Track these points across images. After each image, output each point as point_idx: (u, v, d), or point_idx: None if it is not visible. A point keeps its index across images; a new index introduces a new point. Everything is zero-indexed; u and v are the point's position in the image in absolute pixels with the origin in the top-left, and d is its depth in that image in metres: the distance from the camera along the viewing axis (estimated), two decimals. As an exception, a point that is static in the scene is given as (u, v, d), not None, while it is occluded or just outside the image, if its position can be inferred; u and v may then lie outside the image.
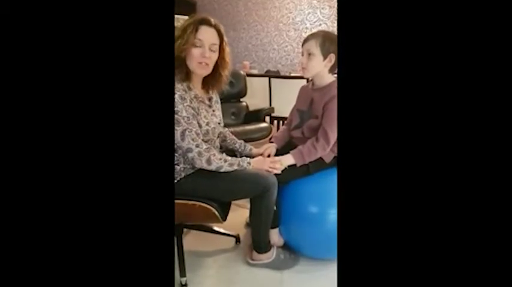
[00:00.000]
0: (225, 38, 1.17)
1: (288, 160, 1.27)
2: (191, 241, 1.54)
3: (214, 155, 1.13)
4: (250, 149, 1.44)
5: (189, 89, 1.15)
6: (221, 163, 1.13)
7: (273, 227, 1.33)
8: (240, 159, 1.19)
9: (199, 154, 1.10)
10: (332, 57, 1.27)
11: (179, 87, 1.11)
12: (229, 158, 1.17)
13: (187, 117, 1.09)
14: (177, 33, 1.09)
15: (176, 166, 1.17)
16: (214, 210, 1.15)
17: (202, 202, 1.15)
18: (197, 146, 1.10)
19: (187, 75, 1.15)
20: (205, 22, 1.12)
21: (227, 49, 1.19)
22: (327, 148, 1.28)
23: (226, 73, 1.22)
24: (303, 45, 1.31)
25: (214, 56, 1.15)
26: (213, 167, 1.12)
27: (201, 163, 1.11)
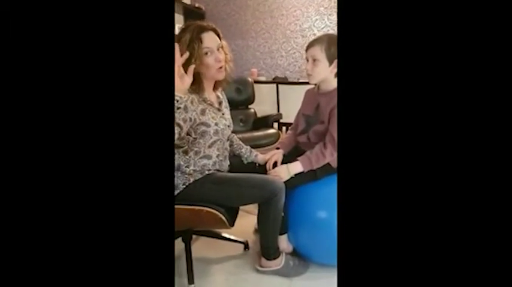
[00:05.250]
0: (221, 34, 1.21)
1: (296, 167, 1.26)
2: (200, 247, 1.54)
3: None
4: (256, 155, 1.44)
5: (196, 92, 1.17)
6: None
7: (281, 234, 1.32)
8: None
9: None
10: None
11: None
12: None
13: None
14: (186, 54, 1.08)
15: (186, 168, 1.18)
16: (221, 215, 1.15)
17: (209, 207, 1.15)
18: None
19: (200, 86, 1.18)
20: (204, 29, 1.14)
21: (224, 43, 1.22)
22: (334, 153, 1.26)
23: (230, 65, 1.25)
24: (306, 50, 1.28)
25: (223, 55, 1.19)
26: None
27: None
